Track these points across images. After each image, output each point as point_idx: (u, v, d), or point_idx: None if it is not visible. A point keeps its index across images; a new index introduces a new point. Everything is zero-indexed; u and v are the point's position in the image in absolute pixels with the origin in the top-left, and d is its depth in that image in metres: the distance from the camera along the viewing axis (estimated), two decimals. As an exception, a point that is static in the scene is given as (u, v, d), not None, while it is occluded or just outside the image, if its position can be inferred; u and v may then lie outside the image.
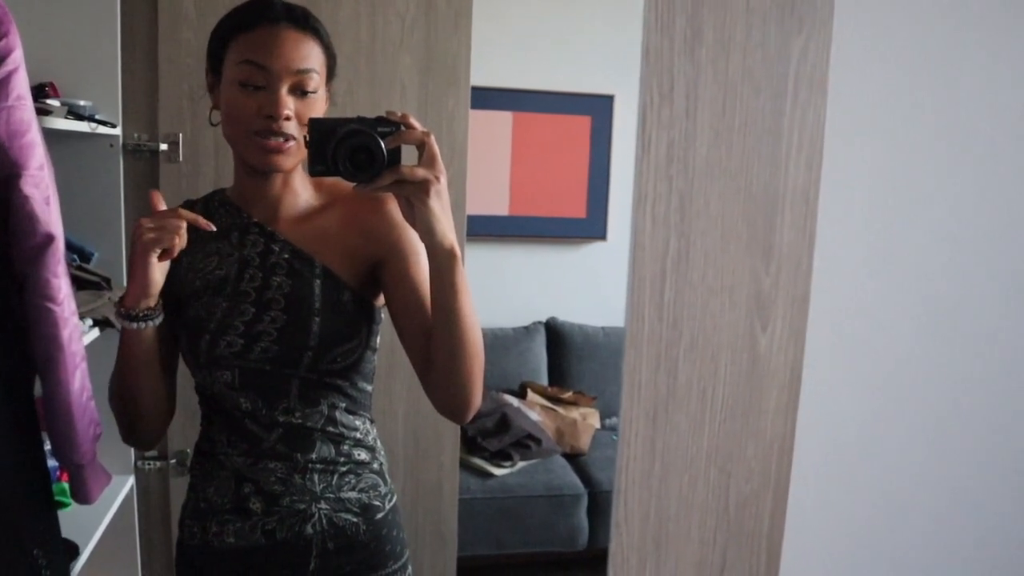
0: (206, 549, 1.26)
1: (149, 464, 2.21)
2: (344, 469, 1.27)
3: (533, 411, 3.32)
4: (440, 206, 1.06)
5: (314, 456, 1.25)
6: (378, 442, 1.34)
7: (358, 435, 1.29)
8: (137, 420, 1.26)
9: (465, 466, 3.03)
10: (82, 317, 1.59)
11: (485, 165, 3.53)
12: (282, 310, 1.21)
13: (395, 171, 1.04)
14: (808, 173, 0.65)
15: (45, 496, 1.25)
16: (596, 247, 3.79)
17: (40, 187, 1.17)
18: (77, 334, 1.26)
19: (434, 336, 1.16)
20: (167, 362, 1.26)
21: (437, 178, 1.05)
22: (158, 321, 1.17)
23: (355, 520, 1.27)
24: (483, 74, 3.27)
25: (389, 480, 1.34)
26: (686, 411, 0.67)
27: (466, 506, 2.75)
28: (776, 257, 0.66)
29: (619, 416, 0.69)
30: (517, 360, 3.51)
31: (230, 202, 1.29)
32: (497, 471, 3.10)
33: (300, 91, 1.18)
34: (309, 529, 1.25)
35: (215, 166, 2.10)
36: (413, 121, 1.07)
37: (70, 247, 1.85)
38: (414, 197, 1.05)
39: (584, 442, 3.32)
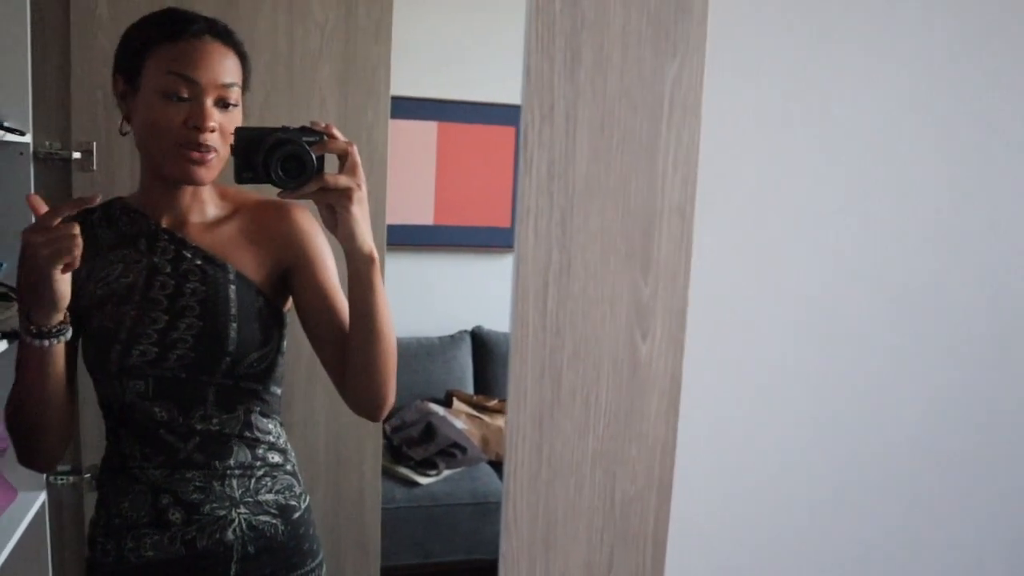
0: (121, 565, 1.25)
1: (62, 479, 2.15)
2: (261, 472, 1.28)
3: (459, 419, 3.33)
4: (361, 213, 1.12)
5: (232, 462, 1.26)
6: (288, 444, 1.36)
7: (271, 438, 1.31)
8: (43, 438, 1.23)
9: (390, 475, 3.03)
10: (-11, 329, 1.56)
11: (410, 175, 3.55)
12: (197, 316, 1.21)
13: (320, 179, 1.10)
14: (684, 189, 0.69)
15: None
16: (522, 256, 3.83)
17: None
18: (-22, 347, 1.23)
19: (351, 337, 1.20)
20: (71, 374, 1.24)
21: (359, 186, 1.11)
22: (69, 334, 1.16)
23: (274, 522, 1.28)
24: (407, 84, 3.29)
25: (302, 480, 1.36)
26: (571, 416, 0.70)
27: (391, 515, 2.75)
28: (655, 269, 0.69)
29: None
30: (443, 369, 3.52)
31: (134, 209, 1.28)
32: (423, 480, 3.10)
33: (223, 104, 1.20)
34: (230, 535, 1.25)
35: (130, 174, 2.07)
36: (336, 132, 1.12)
37: (-25, 258, 1.80)
38: (337, 204, 1.11)
39: (510, 449, 3.35)
